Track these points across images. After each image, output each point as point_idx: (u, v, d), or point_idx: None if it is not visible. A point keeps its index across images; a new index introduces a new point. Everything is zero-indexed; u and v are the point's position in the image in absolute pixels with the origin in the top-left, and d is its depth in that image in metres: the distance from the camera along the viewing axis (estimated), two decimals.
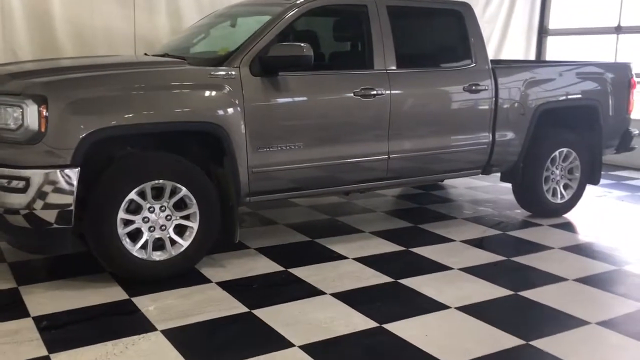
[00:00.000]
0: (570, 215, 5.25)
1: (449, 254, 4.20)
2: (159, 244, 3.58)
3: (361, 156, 4.17)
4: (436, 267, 3.94)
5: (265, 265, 3.89)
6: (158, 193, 3.54)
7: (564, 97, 5.04)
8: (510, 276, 3.82)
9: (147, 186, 3.47)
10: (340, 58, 4.76)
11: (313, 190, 4.14)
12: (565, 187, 5.24)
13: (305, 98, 3.93)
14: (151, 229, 3.54)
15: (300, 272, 3.79)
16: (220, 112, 3.62)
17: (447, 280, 3.71)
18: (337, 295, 3.44)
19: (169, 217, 3.58)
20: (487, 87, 4.63)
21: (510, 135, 4.81)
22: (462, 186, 6.25)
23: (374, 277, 3.72)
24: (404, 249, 4.28)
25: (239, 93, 3.67)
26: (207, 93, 3.62)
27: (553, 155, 5.08)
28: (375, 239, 4.48)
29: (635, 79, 5.48)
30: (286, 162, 3.89)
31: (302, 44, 3.69)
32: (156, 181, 3.48)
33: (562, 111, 5.08)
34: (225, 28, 4.67)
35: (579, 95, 5.14)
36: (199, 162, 3.70)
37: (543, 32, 8.87)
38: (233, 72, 3.69)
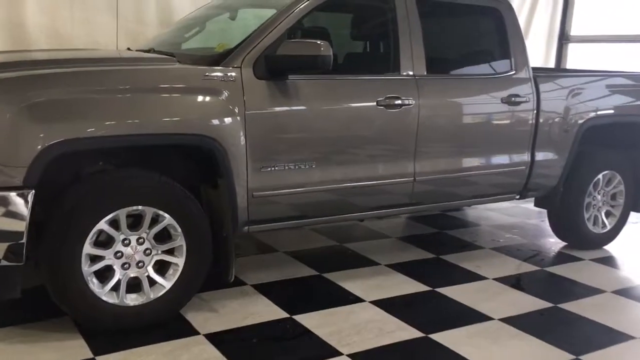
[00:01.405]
0: (610, 247, 4.58)
1: (483, 296, 3.51)
2: (134, 285, 2.87)
3: (383, 178, 3.48)
4: (472, 316, 3.25)
5: (266, 310, 3.18)
6: (135, 221, 2.84)
7: (611, 112, 4.38)
8: (563, 331, 3.14)
9: (122, 213, 2.76)
10: (361, 60, 4.06)
11: (324, 217, 3.44)
12: (607, 214, 4.58)
13: (319, 107, 3.23)
14: (125, 267, 2.83)
15: (308, 320, 3.09)
16: (216, 122, 2.91)
17: (488, 336, 3.03)
18: (356, 357, 2.75)
19: (148, 252, 2.88)
20: (528, 99, 3.95)
21: (551, 155, 4.14)
22: (481, 207, 5.57)
23: (400, 330, 3.03)
24: (429, 289, 3.59)
25: (240, 99, 2.98)
26: (199, 98, 2.91)
27: (596, 178, 4.42)
28: (394, 275, 3.79)
29: None
30: (294, 184, 3.19)
31: (320, 42, 2.99)
32: (133, 207, 2.78)
33: (608, 128, 4.42)
34: (224, 21, 3.96)
35: (626, 111, 4.48)
36: (188, 183, 3.00)
37: (564, 38, 8.22)
38: (233, 74, 2.99)
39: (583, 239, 4.49)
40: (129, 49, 4.36)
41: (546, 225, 4.96)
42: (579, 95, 4.20)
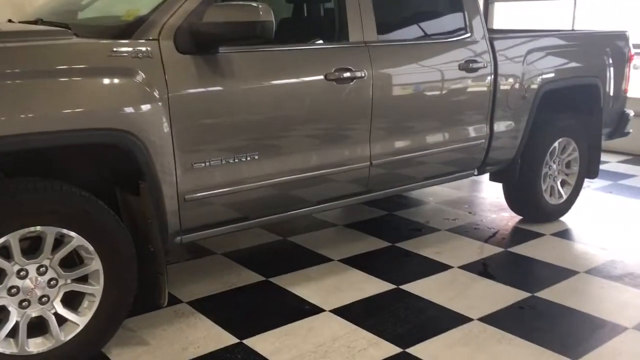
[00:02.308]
0: (565, 218, 4.33)
1: (454, 291, 3.12)
2: (38, 326, 2.24)
3: (338, 165, 2.97)
4: (448, 318, 2.84)
5: (210, 335, 2.63)
6: (33, 246, 2.19)
7: (569, 75, 4.05)
8: (550, 327, 2.79)
9: (13, 238, 2.11)
10: (302, 27, 3.49)
11: (272, 216, 2.90)
12: (563, 184, 4.30)
13: (260, 85, 2.64)
14: (24, 305, 2.19)
15: (262, 344, 2.57)
16: (130, 110, 2.28)
17: (471, 342, 2.63)
18: None
19: (53, 282, 2.24)
20: (485, 64, 3.53)
21: (509, 125, 3.77)
22: None
23: (372, 347, 2.57)
24: (393, 287, 3.15)
25: (160, 80, 2.35)
26: (106, 82, 2.26)
27: (552, 147, 4.11)
28: (351, 272, 3.32)
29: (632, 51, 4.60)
30: (236, 181, 2.62)
31: (257, 4, 2.40)
32: (29, 229, 2.13)
33: (565, 92, 4.10)
34: None
35: (582, 72, 4.17)
36: (101, 190, 2.37)
37: None
38: (148, 48, 2.35)
39: (540, 212, 4.19)
40: (10, 20, 3.57)
41: (495, 197, 4.67)
42: (535, 58, 3.83)
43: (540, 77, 3.84)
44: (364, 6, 3.01)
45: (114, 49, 2.29)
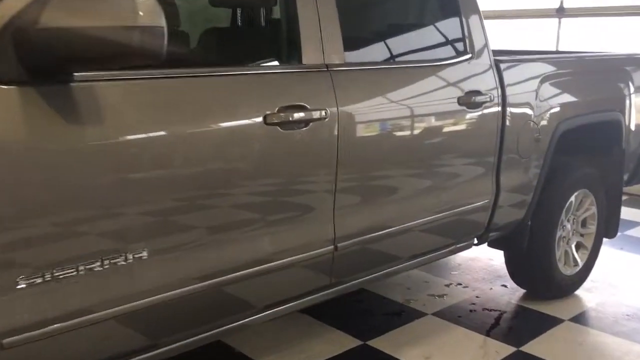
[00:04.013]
0: (582, 293, 3.36)
1: None
2: None
3: (283, 256, 1.92)
4: None
5: None
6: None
7: (588, 110, 3.12)
8: None
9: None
10: (232, 42, 2.40)
11: (179, 344, 1.81)
12: (578, 247, 3.34)
13: (147, 137, 1.57)
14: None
15: None
16: None
17: None
18: None
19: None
20: (491, 98, 2.55)
21: (519, 177, 2.80)
22: None
23: None
24: None
25: None
26: None
27: (569, 202, 3.15)
28: None
29: None
30: (103, 303, 1.54)
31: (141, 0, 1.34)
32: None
33: (584, 131, 3.15)
34: None
35: (602, 106, 3.25)
36: None
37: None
38: None
39: (552, 286, 3.21)
40: None
41: (487, 258, 3.70)
42: (550, 87, 2.88)
43: (557, 112, 2.90)
44: (325, 13, 1.99)
45: None
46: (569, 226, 3.24)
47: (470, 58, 2.52)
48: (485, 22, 2.64)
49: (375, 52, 2.35)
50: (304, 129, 1.88)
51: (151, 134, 1.56)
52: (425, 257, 2.55)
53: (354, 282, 2.25)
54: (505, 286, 3.39)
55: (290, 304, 2.06)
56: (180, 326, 1.77)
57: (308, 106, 1.88)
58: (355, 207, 2.09)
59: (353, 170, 2.04)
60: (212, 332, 1.85)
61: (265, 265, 1.86)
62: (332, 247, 2.04)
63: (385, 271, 2.38)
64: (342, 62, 2.03)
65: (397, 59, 2.39)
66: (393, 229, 2.24)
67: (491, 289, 3.38)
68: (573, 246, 3.29)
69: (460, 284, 3.43)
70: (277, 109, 1.81)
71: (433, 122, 2.33)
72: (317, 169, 1.94)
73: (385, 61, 2.30)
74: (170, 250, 1.64)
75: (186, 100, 1.65)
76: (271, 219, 1.86)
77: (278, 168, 1.85)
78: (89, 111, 1.45)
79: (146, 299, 1.59)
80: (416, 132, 2.27)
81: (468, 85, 2.46)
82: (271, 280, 1.92)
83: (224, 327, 1.88)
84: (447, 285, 3.41)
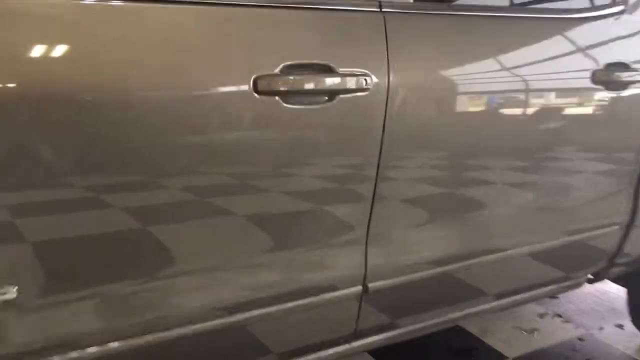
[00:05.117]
0: None
1: None
2: None
3: (284, 299, 1.24)
4: None
5: None
6: None
7: None
8: None
9: None
10: None
11: None
12: None
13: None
14: None
15: None
16: None
17: None
18: None
19: None
20: None
21: None
22: None
23: None
24: None
25: None
26: None
27: None
28: None
29: None
30: None
31: None
32: None
33: None
34: None
35: None
36: None
37: None
38: None
39: None
40: None
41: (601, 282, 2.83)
42: None
43: None
44: None
45: None
46: None
47: (621, 12, 1.65)
48: None
49: None
50: (326, 104, 1.15)
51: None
52: (517, 297, 1.76)
53: (384, 334, 1.51)
54: (622, 327, 2.53)
55: None
56: None
57: (335, 67, 1.15)
58: (402, 225, 1.35)
59: (405, 173, 1.30)
60: None
61: (264, 310, 1.20)
62: (361, 287, 1.33)
63: (446, 318, 1.63)
64: (406, 1, 1.27)
65: (496, 4, 1.56)
66: (467, 262, 1.49)
67: (601, 328, 2.53)
68: None
69: (560, 317, 2.60)
70: (278, 67, 1.09)
71: (548, 107, 1.52)
72: (342, 169, 1.22)
73: (477, 7, 1.48)
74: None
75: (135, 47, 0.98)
76: (277, 247, 1.18)
77: (275, 166, 1.15)
78: None
79: None
80: (519, 121, 1.47)
81: (609, 55, 1.60)
82: (269, 328, 1.25)
83: None
84: (541, 316, 2.60)
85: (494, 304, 1.73)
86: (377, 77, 1.20)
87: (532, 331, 2.48)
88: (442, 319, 1.61)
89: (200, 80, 1.03)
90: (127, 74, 0.96)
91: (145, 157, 1.00)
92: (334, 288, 1.29)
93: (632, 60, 1.65)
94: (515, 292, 1.75)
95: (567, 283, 1.88)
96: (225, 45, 1.06)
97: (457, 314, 1.64)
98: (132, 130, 0.97)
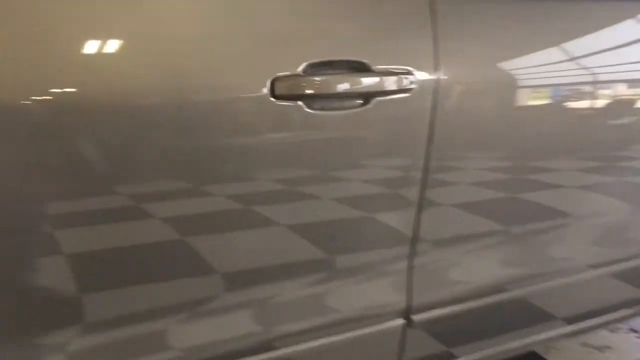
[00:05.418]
0: None
1: None
2: None
3: (303, 333, 1.07)
4: None
5: None
6: None
7: None
8: None
9: None
10: None
11: None
12: None
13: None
14: None
15: None
16: None
17: None
18: None
19: None
20: None
21: None
22: None
23: None
24: None
25: None
26: None
27: None
28: None
29: None
30: None
31: None
32: None
33: None
34: None
35: None
36: None
37: None
38: None
39: None
40: None
41: None
42: None
43: None
44: None
45: None
46: None
47: None
48: None
49: None
50: (359, 109, 0.96)
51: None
52: (583, 325, 1.53)
53: None
54: None
55: None
56: None
57: (370, 64, 0.95)
58: (459, 250, 1.15)
59: (454, 194, 1.10)
60: None
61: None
62: (404, 319, 1.14)
63: (509, 346, 1.42)
64: None
65: None
66: (536, 286, 1.27)
67: None
68: None
69: (635, 332, 2.34)
70: (301, 67, 0.91)
71: (627, 100, 1.29)
72: (379, 186, 1.03)
73: None
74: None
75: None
76: (276, 271, 1.01)
77: (301, 178, 0.97)
78: None
79: None
80: (592, 122, 1.25)
81: None
82: None
83: None
84: (613, 331, 2.33)
85: (568, 328, 1.50)
86: (421, 75, 1.00)
87: (603, 349, 2.22)
88: (503, 347, 1.40)
89: (201, 81, 0.86)
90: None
91: None
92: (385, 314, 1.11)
93: None
94: (590, 315, 1.52)
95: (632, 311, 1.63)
96: (238, 57, 0.89)
97: (524, 341, 1.43)
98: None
